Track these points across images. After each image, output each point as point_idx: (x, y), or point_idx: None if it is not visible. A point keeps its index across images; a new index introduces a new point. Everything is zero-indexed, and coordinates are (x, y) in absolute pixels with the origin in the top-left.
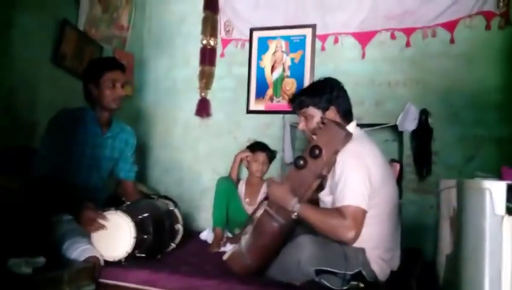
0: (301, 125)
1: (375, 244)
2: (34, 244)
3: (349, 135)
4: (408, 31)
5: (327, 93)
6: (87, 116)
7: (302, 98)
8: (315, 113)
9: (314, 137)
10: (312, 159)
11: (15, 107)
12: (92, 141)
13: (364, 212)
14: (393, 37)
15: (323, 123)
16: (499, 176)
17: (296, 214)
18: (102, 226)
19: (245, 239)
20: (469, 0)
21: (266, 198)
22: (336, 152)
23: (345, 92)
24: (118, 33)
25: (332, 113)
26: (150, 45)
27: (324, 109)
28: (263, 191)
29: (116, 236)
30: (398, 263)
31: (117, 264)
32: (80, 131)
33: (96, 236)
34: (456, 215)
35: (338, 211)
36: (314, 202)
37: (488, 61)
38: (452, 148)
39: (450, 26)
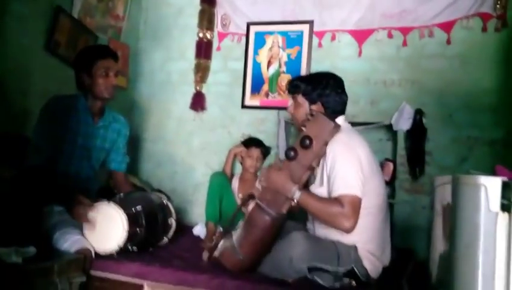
0: (290, 108)
1: (368, 237)
2: (24, 233)
3: (337, 126)
4: (405, 30)
5: (320, 88)
6: (79, 104)
7: (297, 83)
8: (303, 103)
9: (304, 129)
10: (303, 149)
11: (8, 95)
12: (83, 129)
13: (360, 201)
14: (390, 35)
15: (311, 115)
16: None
17: (295, 201)
18: (94, 220)
19: (236, 234)
20: (466, 1)
21: (252, 196)
22: (326, 143)
23: (339, 92)
24: (113, 23)
25: (318, 108)
26: (145, 37)
27: (311, 101)
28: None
29: (108, 228)
30: (389, 258)
31: (108, 256)
32: (71, 119)
33: (88, 228)
34: (450, 211)
35: (336, 200)
36: None
37: (483, 63)
38: (446, 149)
39: (447, 26)
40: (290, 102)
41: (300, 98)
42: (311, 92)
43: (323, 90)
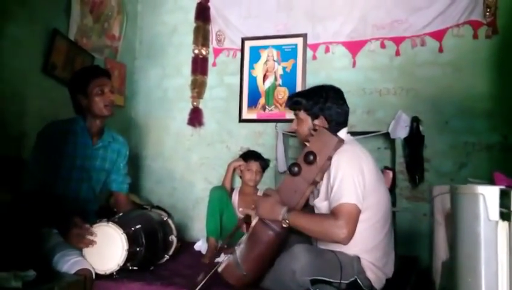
0: (293, 125)
1: (370, 248)
2: (23, 257)
3: (341, 141)
4: (397, 40)
5: (321, 102)
6: (77, 126)
7: (297, 99)
8: (305, 118)
9: (307, 144)
10: (306, 165)
11: (4, 118)
12: (82, 152)
13: (358, 210)
14: (383, 46)
15: (315, 130)
16: (491, 183)
17: (287, 222)
18: (92, 242)
19: (240, 249)
20: (457, 9)
21: (248, 217)
22: (329, 158)
23: (341, 104)
24: (109, 43)
25: (321, 122)
26: (141, 55)
27: (314, 116)
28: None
29: (108, 248)
30: (393, 270)
31: (109, 277)
32: (69, 143)
33: (88, 249)
34: (450, 221)
35: (331, 213)
36: (310, 209)
37: (476, 70)
38: (444, 156)
39: (438, 35)
40: (293, 120)
41: (303, 114)
42: (313, 107)
43: (324, 104)
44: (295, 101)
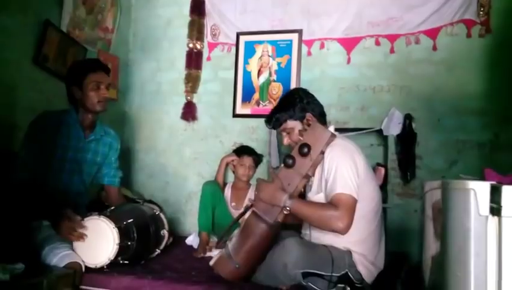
0: (285, 141)
1: (361, 241)
2: (12, 250)
3: (333, 136)
4: (392, 38)
5: (298, 103)
6: (70, 118)
7: (277, 116)
8: (294, 125)
9: (301, 138)
10: (301, 157)
11: None
12: (74, 144)
13: (355, 201)
14: (377, 43)
15: (308, 125)
16: (482, 179)
17: (288, 209)
18: (82, 235)
19: (232, 243)
20: (451, 8)
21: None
22: (322, 153)
23: (313, 96)
24: (102, 35)
25: (310, 118)
26: (135, 48)
27: (301, 118)
28: (249, 195)
29: (99, 242)
30: (383, 263)
31: (99, 270)
32: (62, 134)
33: (78, 242)
34: (441, 216)
35: (329, 203)
36: None
37: (469, 68)
38: (435, 153)
39: (433, 33)
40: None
41: (290, 123)
42: (295, 111)
43: (302, 102)
44: (277, 118)
